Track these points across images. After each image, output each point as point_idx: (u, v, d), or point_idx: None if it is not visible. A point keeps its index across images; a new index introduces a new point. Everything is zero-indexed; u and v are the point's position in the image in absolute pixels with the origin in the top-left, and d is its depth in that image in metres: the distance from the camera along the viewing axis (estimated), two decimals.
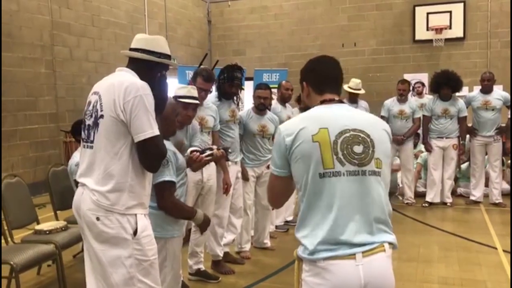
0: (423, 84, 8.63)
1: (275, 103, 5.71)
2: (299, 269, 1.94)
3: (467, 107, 6.73)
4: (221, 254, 4.46)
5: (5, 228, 3.99)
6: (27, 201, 4.34)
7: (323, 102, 1.98)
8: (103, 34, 9.18)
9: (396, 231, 6.02)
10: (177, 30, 11.62)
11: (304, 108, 5.81)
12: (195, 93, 3.62)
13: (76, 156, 4.57)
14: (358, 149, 1.85)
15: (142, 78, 2.39)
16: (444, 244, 5.18)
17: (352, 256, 1.80)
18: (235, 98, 4.51)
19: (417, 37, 11.30)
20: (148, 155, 2.29)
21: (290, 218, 5.95)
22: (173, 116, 3.06)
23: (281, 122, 5.47)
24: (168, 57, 2.52)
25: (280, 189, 2.03)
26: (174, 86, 3.76)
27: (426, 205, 6.73)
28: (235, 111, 4.51)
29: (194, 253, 4.21)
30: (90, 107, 2.39)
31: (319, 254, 1.81)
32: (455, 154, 6.66)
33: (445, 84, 6.53)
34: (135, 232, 2.30)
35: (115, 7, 9.62)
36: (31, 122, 7.69)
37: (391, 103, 6.87)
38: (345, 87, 6.70)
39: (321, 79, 2.02)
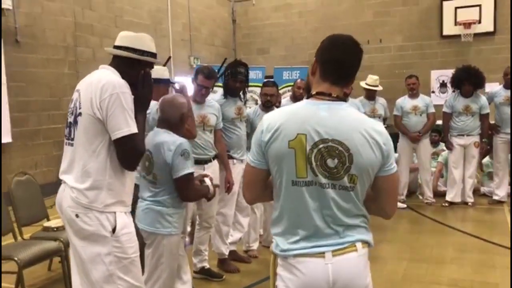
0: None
1: (287, 100, 5.67)
2: (274, 263, 1.98)
3: (489, 103, 6.51)
4: (227, 252, 4.46)
5: (15, 225, 4.12)
6: (38, 198, 4.44)
7: (317, 94, 1.85)
8: None
9: (412, 231, 5.94)
10: (201, 29, 11.68)
11: None
12: (165, 74, 3.72)
13: None
14: (331, 163, 1.76)
15: (124, 75, 2.40)
16: (459, 245, 5.02)
17: (321, 254, 1.80)
18: (241, 95, 4.49)
19: (445, 33, 10.99)
20: (125, 152, 2.30)
21: None
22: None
23: None
24: (152, 55, 2.52)
25: (253, 180, 1.95)
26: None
27: (446, 204, 6.54)
28: (241, 108, 4.49)
29: (198, 251, 4.22)
30: (72, 105, 2.43)
31: (289, 252, 1.83)
32: (476, 152, 6.45)
33: (467, 80, 6.33)
34: (114, 230, 2.32)
35: (138, 8, 9.75)
36: (54, 122, 7.88)
37: (403, 100, 6.73)
38: (362, 83, 6.58)
39: (331, 64, 1.85)
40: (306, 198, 1.80)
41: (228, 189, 4.27)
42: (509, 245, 4.89)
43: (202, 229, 4.19)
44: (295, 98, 5.65)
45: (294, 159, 1.79)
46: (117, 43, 2.49)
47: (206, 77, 4.00)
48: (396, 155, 7.08)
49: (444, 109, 6.58)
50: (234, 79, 4.35)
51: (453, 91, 6.64)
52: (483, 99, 6.41)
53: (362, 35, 11.61)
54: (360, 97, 6.64)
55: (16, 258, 3.56)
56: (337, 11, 11.83)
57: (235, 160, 4.43)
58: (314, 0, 12.06)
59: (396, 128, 6.85)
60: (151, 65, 2.54)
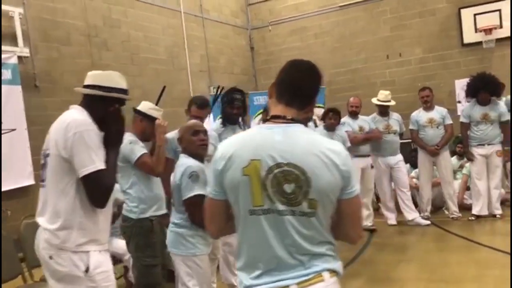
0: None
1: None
2: None
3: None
4: (236, 283, 4.37)
5: (25, 268, 4.18)
6: None
7: (272, 118, 1.83)
8: (143, 71, 9.50)
9: (434, 249, 5.76)
10: (219, 59, 11.79)
11: (327, 126, 5.71)
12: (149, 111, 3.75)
13: None
14: (288, 188, 1.70)
15: (94, 113, 2.43)
16: (483, 262, 4.77)
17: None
18: (240, 122, 4.47)
19: (466, 41, 10.68)
20: (92, 190, 2.30)
21: None
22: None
23: None
24: (121, 91, 2.54)
25: (213, 213, 1.88)
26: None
27: (473, 218, 6.26)
28: None
29: None
30: (44, 147, 2.46)
31: None
32: (499, 161, 6.18)
33: (483, 88, 6.13)
34: (88, 269, 2.30)
35: (154, 44, 9.94)
36: None
37: (418, 114, 6.57)
38: (374, 100, 6.47)
39: (284, 85, 1.85)
40: (264, 228, 1.73)
41: None
42: None
43: (209, 260, 4.13)
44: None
45: (250, 187, 1.72)
46: (85, 82, 2.53)
47: (199, 107, 4.01)
48: (417, 170, 6.88)
49: (461, 119, 6.38)
50: (230, 106, 4.35)
51: (473, 100, 6.41)
52: (502, 106, 6.19)
53: (380, 51, 11.52)
54: (373, 114, 6.52)
55: None
56: (353, 29, 11.74)
57: None
58: (329, 21, 12.02)
59: (414, 143, 6.66)
60: (121, 101, 2.55)
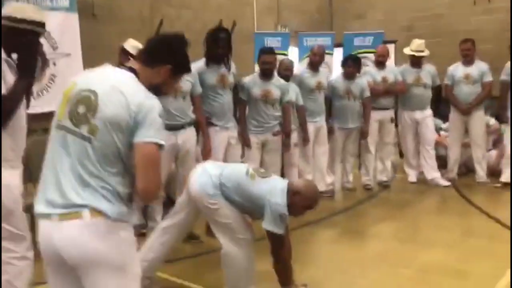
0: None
1: (304, 68, 5.51)
2: None
3: None
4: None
5: None
6: None
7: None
8: (205, 4, 9.56)
9: (433, 211, 5.66)
10: None
11: (345, 74, 5.47)
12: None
13: None
14: (81, 109, 1.88)
15: (7, 43, 2.65)
16: (473, 230, 4.48)
17: (48, 216, 1.84)
18: (226, 61, 4.42)
19: None
20: None
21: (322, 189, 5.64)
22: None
23: (308, 88, 5.32)
24: (33, 23, 2.71)
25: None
26: None
27: (499, 185, 5.76)
28: (225, 76, 4.43)
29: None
30: None
31: (35, 210, 1.91)
32: None
33: None
34: None
35: None
36: None
37: (455, 68, 5.96)
38: (406, 50, 6.03)
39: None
40: (55, 143, 1.90)
41: (206, 155, 4.30)
42: None
43: None
44: (312, 65, 5.46)
45: (61, 103, 1.95)
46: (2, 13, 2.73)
47: None
48: (444, 125, 6.44)
49: (502, 77, 5.71)
50: (215, 45, 4.33)
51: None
52: None
53: None
54: (404, 65, 6.10)
55: None
56: None
57: (217, 128, 4.44)
58: None
59: (447, 99, 6.15)
60: (34, 34, 2.72)
